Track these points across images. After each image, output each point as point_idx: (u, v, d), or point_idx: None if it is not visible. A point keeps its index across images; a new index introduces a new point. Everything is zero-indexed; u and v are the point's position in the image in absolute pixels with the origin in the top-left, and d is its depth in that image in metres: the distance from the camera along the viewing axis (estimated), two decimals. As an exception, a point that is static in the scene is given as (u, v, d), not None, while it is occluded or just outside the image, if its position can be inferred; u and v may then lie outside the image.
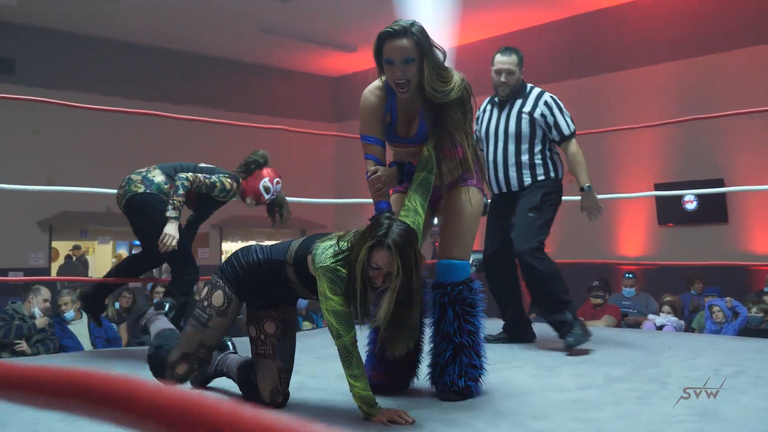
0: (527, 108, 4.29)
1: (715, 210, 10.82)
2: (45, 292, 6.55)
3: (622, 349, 4.23)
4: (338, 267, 2.69)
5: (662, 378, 3.33)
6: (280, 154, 14.25)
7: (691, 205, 10.97)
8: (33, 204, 12.24)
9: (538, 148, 4.28)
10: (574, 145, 4.30)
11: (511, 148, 4.29)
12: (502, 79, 4.31)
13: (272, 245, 3.05)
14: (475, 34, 13.01)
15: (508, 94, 4.35)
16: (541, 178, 4.28)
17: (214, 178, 4.16)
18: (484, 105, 4.55)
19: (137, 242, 13.31)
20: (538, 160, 4.28)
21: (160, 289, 8.65)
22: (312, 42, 13.76)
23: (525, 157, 4.27)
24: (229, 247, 14.82)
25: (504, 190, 4.36)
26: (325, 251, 2.73)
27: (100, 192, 5.05)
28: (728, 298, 7.76)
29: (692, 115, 8.88)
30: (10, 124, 12.14)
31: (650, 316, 8.18)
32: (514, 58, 4.35)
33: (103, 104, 5.72)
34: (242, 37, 13.44)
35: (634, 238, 11.34)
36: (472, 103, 3.14)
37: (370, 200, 3.12)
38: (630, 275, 9.41)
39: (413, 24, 2.94)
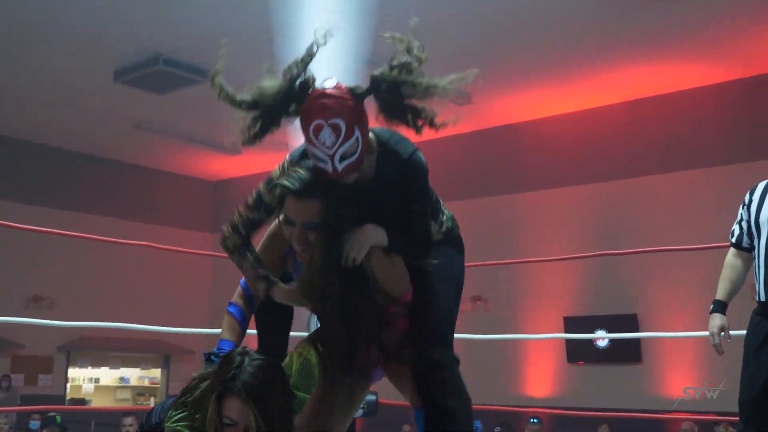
0: None
1: (628, 348, 10.88)
2: None
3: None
4: (180, 429, 2.35)
5: None
6: (147, 267, 13.94)
7: (602, 342, 10.97)
8: None
9: None
10: None
11: None
12: None
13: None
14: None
15: None
16: None
17: None
18: (762, 186, 3.70)
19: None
20: None
21: None
22: (191, 141, 13.68)
23: None
24: (77, 374, 14.12)
25: None
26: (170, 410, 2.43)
27: None
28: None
29: (605, 244, 9.00)
30: None
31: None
32: None
33: None
34: (112, 132, 13.33)
35: (541, 377, 11.35)
36: None
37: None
38: (535, 420, 9.58)
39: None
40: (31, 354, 13.49)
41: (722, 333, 3.63)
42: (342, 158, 2.30)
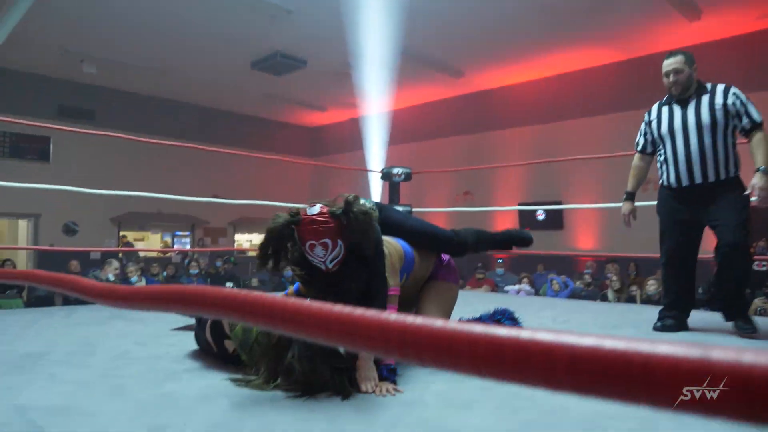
0: (719, 99, 2.98)
1: (555, 220, 10.91)
2: (115, 263, 6.47)
3: (494, 305, 4.02)
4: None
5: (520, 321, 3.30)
6: (275, 176, 14.42)
7: (541, 216, 11.06)
8: (108, 206, 12.08)
9: (730, 140, 2.99)
10: (763, 131, 2.95)
11: (707, 140, 2.98)
12: (671, 78, 3.09)
13: None
14: (405, 103, 13.18)
15: (682, 91, 3.09)
16: (734, 172, 3.00)
17: None
18: (655, 108, 3.25)
19: (177, 233, 13.26)
20: (731, 153, 3.00)
21: (194, 263, 8.58)
22: (297, 104, 13.70)
23: (721, 149, 2.97)
24: (240, 238, 14.59)
25: (698, 181, 3.02)
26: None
27: (153, 196, 4.96)
28: (562, 276, 8.00)
29: (544, 157, 9.11)
30: (93, 156, 11.94)
31: (508, 287, 8.38)
32: (679, 57, 3.10)
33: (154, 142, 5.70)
34: (251, 99, 13.31)
35: None
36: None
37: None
38: (500, 260, 9.62)
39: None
40: (214, 227, 13.91)
41: (631, 215, 3.29)
42: (331, 261, 1.99)
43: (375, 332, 0.44)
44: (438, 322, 0.42)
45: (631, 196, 3.32)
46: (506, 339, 0.38)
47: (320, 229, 1.96)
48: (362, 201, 2.05)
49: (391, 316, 0.44)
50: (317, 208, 1.99)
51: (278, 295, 0.57)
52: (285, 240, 1.98)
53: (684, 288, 3.16)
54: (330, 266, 2.00)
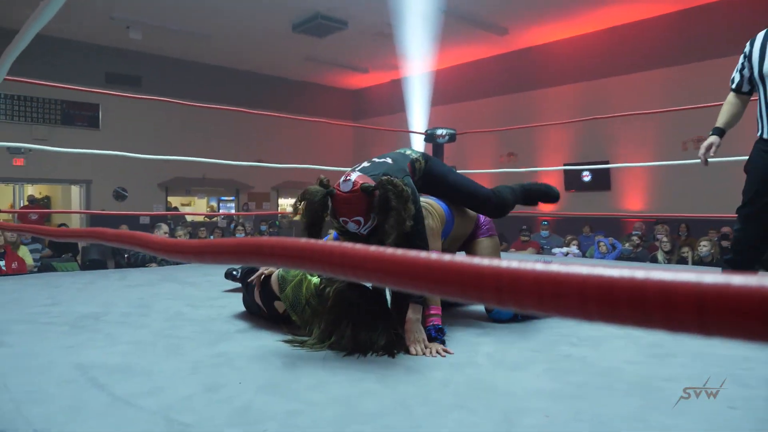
0: None
1: (602, 181, 10.68)
2: (165, 227, 6.63)
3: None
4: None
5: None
6: (318, 139, 14.47)
7: (587, 177, 10.85)
8: (156, 172, 12.36)
9: None
10: None
11: None
12: None
13: None
14: (447, 63, 12.95)
15: None
16: None
17: None
18: (760, 37, 2.52)
19: (222, 198, 13.50)
20: None
21: (240, 227, 8.73)
22: (338, 66, 13.63)
23: None
24: (283, 202, 14.78)
25: None
26: None
27: (199, 160, 5.03)
28: (610, 238, 7.85)
29: (590, 115, 8.93)
30: (140, 122, 12.15)
31: (555, 249, 8.28)
32: None
33: (202, 108, 5.74)
34: (292, 62, 13.27)
35: None
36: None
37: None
38: (545, 222, 9.49)
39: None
40: (258, 191, 14.02)
41: (711, 149, 2.59)
42: (366, 230, 1.98)
43: (468, 277, 0.41)
44: (536, 265, 0.40)
45: (719, 132, 2.65)
46: (619, 280, 0.36)
47: (352, 208, 1.95)
48: (400, 179, 2.01)
49: (484, 261, 0.42)
50: (351, 184, 1.96)
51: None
52: (321, 212, 1.98)
53: (755, 254, 2.59)
54: (365, 233, 2.01)
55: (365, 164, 2.18)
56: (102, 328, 2.27)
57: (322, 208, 1.97)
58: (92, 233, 1.09)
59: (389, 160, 2.21)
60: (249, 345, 2.01)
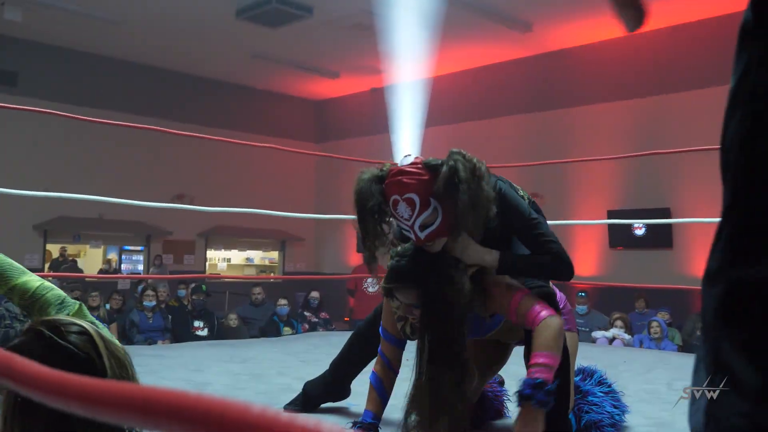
0: None
1: (661, 236, 10.76)
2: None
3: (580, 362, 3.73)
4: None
5: (620, 390, 2.94)
6: (265, 170, 14.39)
7: (639, 231, 10.93)
8: (30, 209, 12.15)
9: None
10: None
11: None
12: None
13: None
14: (451, 67, 13.04)
15: None
16: None
17: None
18: None
19: (126, 247, 13.28)
20: None
21: (150, 291, 8.56)
22: (298, 67, 13.69)
23: None
24: (213, 255, 14.66)
25: None
26: None
27: (93, 199, 4.88)
28: (665, 314, 7.79)
29: (643, 150, 8.94)
30: (11, 134, 12.00)
31: (597, 333, 8.17)
32: None
33: (99, 118, 5.59)
34: (234, 60, 13.36)
35: (587, 260, 11.29)
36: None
37: (344, 216, 2.69)
38: (582, 294, 9.41)
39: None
40: (178, 239, 13.98)
41: None
42: (422, 227, 2.09)
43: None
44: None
45: None
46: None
47: (405, 180, 2.10)
48: (475, 159, 2.20)
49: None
50: (410, 158, 2.16)
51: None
52: (372, 201, 2.14)
53: None
54: (421, 235, 2.12)
55: None
56: None
57: (373, 191, 2.14)
58: None
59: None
60: None
